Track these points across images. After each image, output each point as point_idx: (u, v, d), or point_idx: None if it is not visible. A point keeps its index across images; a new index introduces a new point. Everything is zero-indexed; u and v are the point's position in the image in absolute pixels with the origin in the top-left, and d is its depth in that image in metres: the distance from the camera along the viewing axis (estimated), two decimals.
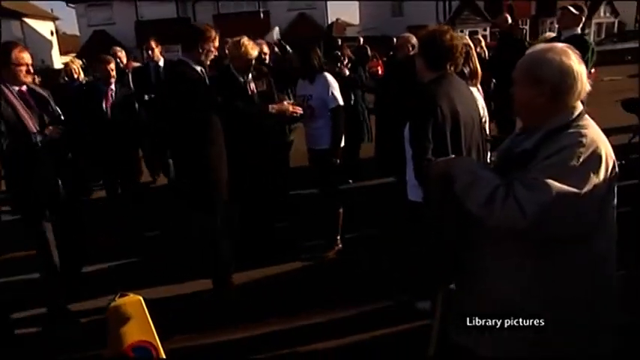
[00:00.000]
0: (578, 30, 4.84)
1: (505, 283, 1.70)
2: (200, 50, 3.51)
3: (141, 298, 2.52)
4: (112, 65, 4.87)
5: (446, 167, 1.82)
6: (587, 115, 1.69)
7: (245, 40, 3.95)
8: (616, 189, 1.67)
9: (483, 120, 3.11)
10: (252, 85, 4.11)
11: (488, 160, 2.81)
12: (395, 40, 6.33)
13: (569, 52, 1.65)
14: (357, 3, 36.71)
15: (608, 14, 34.63)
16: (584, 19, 4.88)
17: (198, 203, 3.63)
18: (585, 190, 1.54)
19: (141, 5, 28.34)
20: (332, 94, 4.11)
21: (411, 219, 2.83)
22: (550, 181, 1.53)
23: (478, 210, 1.64)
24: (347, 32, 34.70)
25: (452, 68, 2.59)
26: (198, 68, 3.53)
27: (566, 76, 1.62)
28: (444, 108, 2.42)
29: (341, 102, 4.16)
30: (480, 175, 1.70)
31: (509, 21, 7.26)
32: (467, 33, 17.36)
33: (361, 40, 12.02)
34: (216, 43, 3.61)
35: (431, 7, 27.54)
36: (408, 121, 2.60)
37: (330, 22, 32.34)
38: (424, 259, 1.98)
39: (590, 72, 3.83)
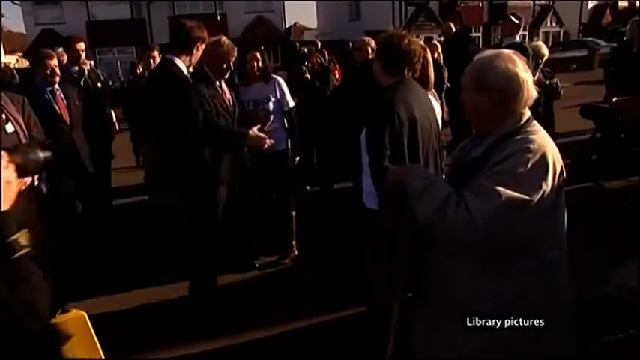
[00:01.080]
0: (517, 38, 5.42)
1: (461, 288, 1.69)
2: (194, 52, 3.26)
3: (85, 314, 2.37)
4: (55, 62, 4.23)
5: (399, 175, 1.80)
6: (535, 122, 1.71)
7: (225, 39, 3.63)
8: (563, 195, 1.68)
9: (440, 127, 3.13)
10: (228, 93, 3.70)
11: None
12: (351, 44, 6.35)
13: (515, 58, 1.67)
14: (314, 7, 36.89)
15: (554, 24, 36.18)
16: (522, 27, 5.48)
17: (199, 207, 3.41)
18: (534, 196, 1.55)
19: (93, 5, 27.39)
20: (287, 95, 4.10)
21: (367, 227, 2.79)
22: (499, 189, 1.53)
23: (430, 218, 1.63)
24: (305, 36, 34.81)
25: (410, 74, 2.57)
26: (185, 70, 3.25)
27: (512, 82, 1.63)
28: (402, 114, 2.39)
29: (293, 104, 4.19)
30: (433, 182, 1.69)
31: (453, 29, 7.57)
32: (422, 39, 17.68)
33: (319, 44, 12.03)
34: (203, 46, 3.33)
35: (388, 12, 27.96)
36: (365, 127, 2.57)
37: (287, 25, 32.32)
38: (371, 268, 1.94)
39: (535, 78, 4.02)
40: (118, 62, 25.32)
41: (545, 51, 5.56)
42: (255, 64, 4.01)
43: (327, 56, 8.82)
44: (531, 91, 1.66)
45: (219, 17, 27.85)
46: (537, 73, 5.05)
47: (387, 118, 2.38)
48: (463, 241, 1.58)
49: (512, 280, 1.64)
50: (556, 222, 1.68)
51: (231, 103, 3.67)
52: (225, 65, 3.57)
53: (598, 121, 5.16)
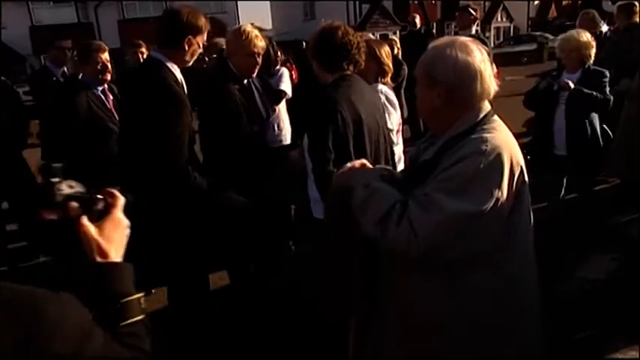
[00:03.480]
0: (474, 30, 5.47)
1: (410, 304, 1.54)
2: (186, 47, 2.42)
3: None
4: (107, 55, 3.59)
5: (345, 179, 1.61)
6: (495, 117, 1.51)
7: (248, 27, 3.00)
8: (528, 199, 1.50)
9: (398, 122, 2.99)
10: (259, 99, 3.21)
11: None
12: (305, 44, 6.19)
13: (472, 47, 1.47)
14: (268, 7, 36.55)
15: (504, 19, 37.19)
16: (477, 20, 5.56)
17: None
18: (486, 205, 1.36)
19: (35, 9, 26.20)
20: (288, 85, 4.00)
21: (317, 239, 2.55)
22: (444, 199, 1.35)
23: (372, 229, 1.45)
24: None
25: (351, 68, 2.36)
26: (178, 73, 2.45)
27: (463, 74, 1.44)
28: (345, 113, 2.20)
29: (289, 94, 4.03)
30: (375, 191, 1.48)
31: (418, 23, 7.59)
32: (378, 36, 17.76)
33: (274, 44, 11.79)
34: (205, 37, 2.52)
35: (342, 11, 27.98)
36: (307, 131, 2.37)
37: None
38: (322, 282, 1.74)
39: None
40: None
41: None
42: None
43: (281, 56, 8.61)
44: (489, 83, 1.47)
45: None
46: None
47: (329, 118, 2.19)
48: (407, 256, 1.42)
49: (465, 298, 1.46)
50: (516, 232, 1.48)
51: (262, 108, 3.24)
52: (252, 60, 2.96)
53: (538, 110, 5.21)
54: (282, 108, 3.92)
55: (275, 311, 3.17)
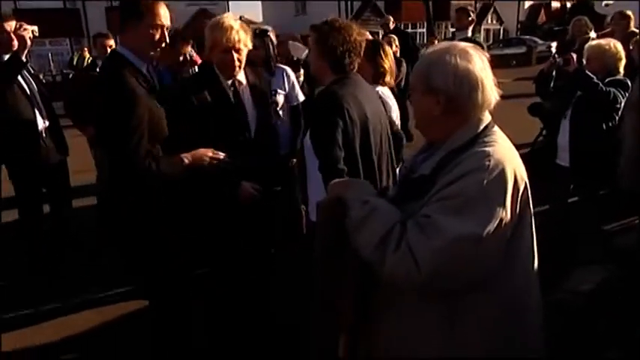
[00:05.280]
0: (469, 33, 5.38)
1: (404, 330, 1.44)
2: (151, 30, 2.18)
3: None
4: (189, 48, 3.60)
5: (341, 190, 1.49)
6: (496, 128, 1.42)
7: (225, 18, 2.52)
8: (531, 214, 1.41)
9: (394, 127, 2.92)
10: (247, 93, 2.63)
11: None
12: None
13: (471, 52, 1.38)
14: (259, 3, 36.31)
15: (494, 22, 37.41)
16: (474, 22, 5.49)
17: None
18: (490, 227, 1.26)
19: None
20: (297, 88, 3.60)
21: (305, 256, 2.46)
22: (446, 220, 1.25)
23: (369, 254, 1.34)
24: None
25: (353, 67, 2.30)
26: (140, 66, 2.25)
27: (463, 83, 1.35)
28: (352, 111, 2.13)
29: (302, 98, 3.65)
30: (373, 211, 1.37)
31: (391, 24, 7.60)
32: (364, 36, 17.67)
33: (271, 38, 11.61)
34: (166, 21, 2.23)
35: (334, 7, 27.85)
36: (310, 128, 2.28)
37: None
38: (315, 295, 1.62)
39: None
40: (50, 54, 23.88)
41: None
42: (254, 51, 3.29)
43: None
44: (491, 92, 1.38)
45: None
46: None
47: (337, 115, 2.11)
48: (406, 285, 1.31)
49: (465, 325, 1.37)
50: (519, 247, 1.39)
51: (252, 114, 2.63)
52: (228, 57, 2.48)
53: (545, 119, 5.17)
54: (283, 111, 3.54)
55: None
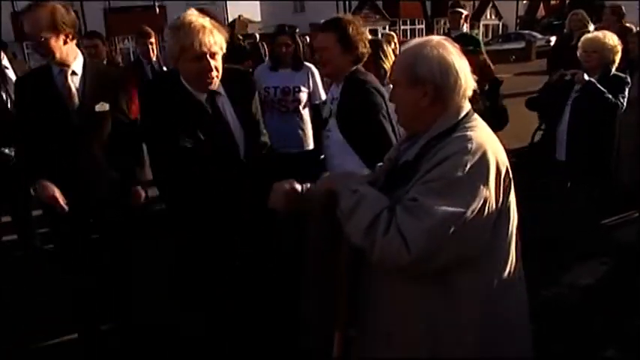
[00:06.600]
0: (465, 28, 5.49)
1: (393, 313, 1.48)
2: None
3: None
4: None
5: (331, 183, 1.54)
6: (476, 115, 1.48)
7: (191, 17, 2.00)
8: (513, 200, 1.46)
9: None
10: (228, 106, 2.12)
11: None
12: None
13: (446, 44, 1.45)
14: (257, 1, 36.28)
15: (493, 17, 37.38)
16: (469, 17, 5.67)
17: None
18: (475, 204, 1.30)
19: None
20: (320, 87, 3.62)
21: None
22: (433, 202, 1.29)
23: (359, 240, 1.37)
24: (249, 29, 34.17)
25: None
26: (55, 69, 2.42)
27: (449, 72, 1.41)
28: (387, 101, 2.19)
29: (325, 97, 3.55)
30: (363, 197, 1.41)
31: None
32: (367, 31, 17.71)
33: (257, 36, 11.69)
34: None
35: (332, 4, 27.85)
36: (343, 123, 2.30)
37: (231, 18, 31.60)
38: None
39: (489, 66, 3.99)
40: None
41: None
42: (285, 48, 3.50)
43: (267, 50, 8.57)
44: (469, 80, 1.45)
45: (157, 9, 26.84)
46: None
47: (380, 104, 2.18)
48: (395, 266, 1.35)
49: (455, 302, 1.42)
50: (501, 233, 1.43)
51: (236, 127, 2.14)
52: (201, 65, 1.97)
53: (544, 112, 5.17)
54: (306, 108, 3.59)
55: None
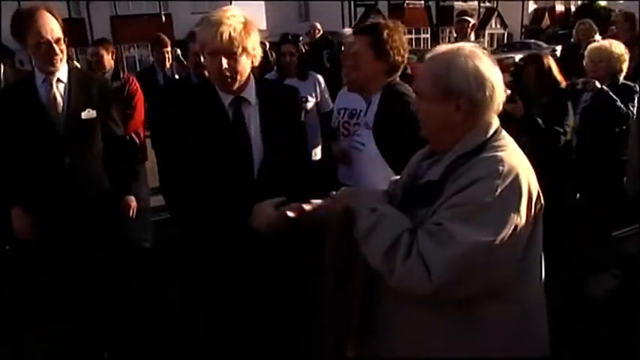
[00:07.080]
0: (472, 38, 5.48)
1: (413, 341, 1.39)
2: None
3: None
4: None
5: (349, 201, 1.44)
6: (504, 133, 1.37)
7: (221, 12, 1.81)
8: (540, 228, 1.36)
9: None
10: (255, 117, 1.92)
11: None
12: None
13: (479, 53, 1.33)
14: (263, 7, 36.45)
15: (498, 26, 37.35)
16: (476, 26, 5.63)
17: None
18: (505, 232, 1.21)
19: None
20: (327, 96, 3.61)
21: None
22: (460, 229, 1.20)
23: (377, 264, 1.29)
24: None
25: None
26: (39, 77, 2.39)
27: (485, 85, 1.30)
28: None
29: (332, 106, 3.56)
30: (382, 218, 1.32)
31: (317, 31, 7.73)
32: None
33: (267, 44, 11.70)
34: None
35: (337, 12, 27.93)
36: (388, 135, 2.14)
37: None
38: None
39: None
40: None
41: None
42: (289, 57, 3.53)
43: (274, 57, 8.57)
44: (502, 95, 1.35)
45: (164, 17, 26.99)
46: None
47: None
48: (415, 294, 1.26)
49: (480, 333, 1.33)
50: (531, 260, 1.35)
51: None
52: (217, 62, 1.79)
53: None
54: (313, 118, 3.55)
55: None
